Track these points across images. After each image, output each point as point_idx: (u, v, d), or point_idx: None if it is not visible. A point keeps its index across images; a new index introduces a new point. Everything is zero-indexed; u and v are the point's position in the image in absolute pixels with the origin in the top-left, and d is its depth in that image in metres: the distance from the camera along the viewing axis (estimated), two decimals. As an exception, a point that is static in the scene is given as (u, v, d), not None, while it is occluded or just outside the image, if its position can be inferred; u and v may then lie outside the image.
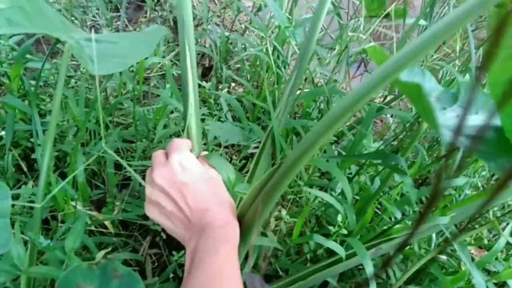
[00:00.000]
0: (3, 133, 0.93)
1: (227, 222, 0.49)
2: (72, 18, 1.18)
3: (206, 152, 0.62)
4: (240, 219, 0.56)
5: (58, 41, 0.84)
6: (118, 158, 0.53)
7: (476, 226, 0.96)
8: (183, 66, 0.53)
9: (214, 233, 0.47)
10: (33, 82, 1.09)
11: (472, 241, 1.05)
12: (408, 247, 0.91)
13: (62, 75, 0.68)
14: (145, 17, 1.06)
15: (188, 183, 0.50)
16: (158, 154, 0.56)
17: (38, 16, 0.63)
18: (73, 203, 0.79)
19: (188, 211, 0.49)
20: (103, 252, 0.70)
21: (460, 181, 0.95)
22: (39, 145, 0.83)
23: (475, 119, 0.69)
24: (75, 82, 1.11)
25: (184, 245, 0.51)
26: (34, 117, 0.68)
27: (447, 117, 0.69)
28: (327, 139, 0.44)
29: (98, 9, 1.16)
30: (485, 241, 1.03)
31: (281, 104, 0.76)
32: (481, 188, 1.22)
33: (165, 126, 1.09)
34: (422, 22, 1.43)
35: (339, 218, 0.78)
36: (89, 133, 1.05)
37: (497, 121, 0.70)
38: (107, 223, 0.85)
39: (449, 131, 0.68)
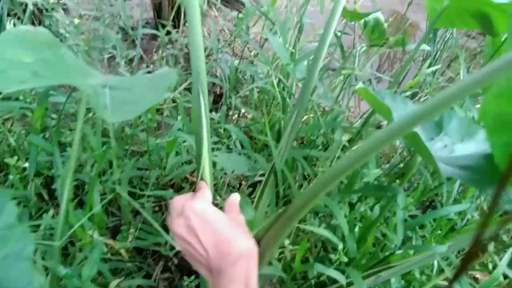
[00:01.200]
0: (26, 164, 1.01)
1: (237, 259, 0.51)
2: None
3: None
4: None
5: (77, 81, 0.91)
6: (134, 199, 0.58)
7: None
8: (199, 128, 0.56)
9: (226, 276, 0.49)
10: (53, 115, 1.17)
11: (477, 266, 1.06)
12: (409, 273, 0.94)
13: (81, 117, 0.74)
14: (158, 53, 1.14)
15: (200, 227, 0.53)
16: (175, 203, 0.59)
17: (60, 65, 0.70)
18: (90, 231, 0.85)
19: (204, 253, 0.52)
20: (116, 281, 0.75)
21: (462, 207, 0.98)
22: (59, 176, 0.90)
23: (463, 148, 0.73)
24: (92, 115, 1.18)
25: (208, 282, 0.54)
26: (55, 153, 0.74)
27: (437, 148, 0.73)
28: (333, 187, 0.49)
29: (113, 46, 1.24)
30: (490, 266, 1.04)
31: (284, 138, 0.81)
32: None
33: (177, 153, 1.15)
34: (425, 47, 1.47)
35: (340, 246, 0.82)
36: (105, 162, 1.11)
37: (487, 149, 0.74)
38: (122, 250, 0.90)
39: (441, 163, 0.72)
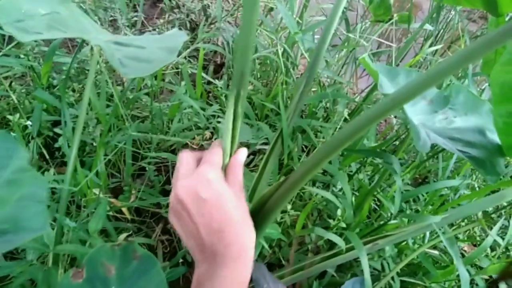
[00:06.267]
0: (28, 122, 1.01)
1: (239, 254, 0.45)
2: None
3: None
4: (253, 215, 0.62)
5: (83, 41, 0.90)
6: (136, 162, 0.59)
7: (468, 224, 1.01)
8: (227, 121, 0.49)
9: (223, 270, 0.44)
10: (54, 75, 1.17)
11: (465, 238, 1.11)
12: (402, 242, 0.98)
13: (92, 73, 0.75)
14: (164, 18, 1.12)
15: (209, 201, 0.45)
16: (186, 157, 0.50)
17: (72, 20, 0.70)
18: (94, 190, 0.86)
19: (203, 231, 0.45)
20: (124, 235, 0.77)
21: (455, 182, 1.01)
22: (61, 135, 0.90)
23: (463, 122, 0.75)
24: (95, 77, 1.17)
25: (195, 261, 0.47)
26: (63, 108, 0.74)
27: (436, 120, 0.74)
28: (337, 154, 0.50)
29: (118, 9, 1.23)
30: (477, 239, 1.09)
31: (291, 107, 0.82)
32: (478, 189, 1.28)
33: (179, 120, 1.16)
34: (428, 27, 1.48)
35: (339, 212, 0.85)
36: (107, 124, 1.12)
37: (488, 125, 0.76)
38: (124, 209, 0.92)
39: (434, 133, 0.74)
